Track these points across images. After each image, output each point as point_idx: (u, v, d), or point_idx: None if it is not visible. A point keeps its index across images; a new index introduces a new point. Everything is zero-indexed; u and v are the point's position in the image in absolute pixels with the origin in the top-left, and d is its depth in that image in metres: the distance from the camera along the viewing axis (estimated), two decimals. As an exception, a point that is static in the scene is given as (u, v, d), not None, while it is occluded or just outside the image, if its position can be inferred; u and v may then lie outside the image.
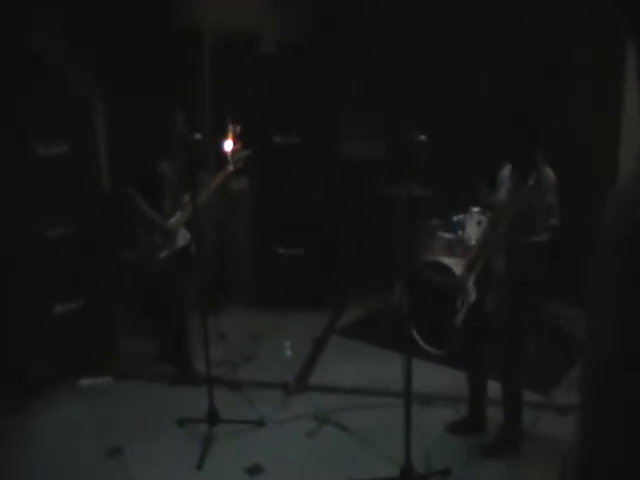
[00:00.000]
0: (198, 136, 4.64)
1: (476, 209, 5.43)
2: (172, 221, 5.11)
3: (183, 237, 5.18)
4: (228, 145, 4.95)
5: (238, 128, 4.93)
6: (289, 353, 5.00)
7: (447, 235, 5.74)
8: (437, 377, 5.10)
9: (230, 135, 4.95)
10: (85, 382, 5.22)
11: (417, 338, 5.39)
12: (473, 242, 5.13)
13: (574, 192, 4.37)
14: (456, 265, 5.07)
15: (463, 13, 6.15)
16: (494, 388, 4.34)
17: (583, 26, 5.73)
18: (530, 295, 4.13)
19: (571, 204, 4.10)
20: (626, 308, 1.33)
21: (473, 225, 5.43)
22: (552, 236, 3.91)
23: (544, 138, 3.98)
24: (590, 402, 1.42)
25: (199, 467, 4.20)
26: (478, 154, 5.61)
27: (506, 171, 4.22)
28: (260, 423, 4.63)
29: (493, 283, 4.19)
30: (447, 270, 5.29)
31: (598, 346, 1.40)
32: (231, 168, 4.99)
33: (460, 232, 5.59)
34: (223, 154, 5.00)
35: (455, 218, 5.72)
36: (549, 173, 3.93)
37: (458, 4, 6.16)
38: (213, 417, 4.50)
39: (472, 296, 4.25)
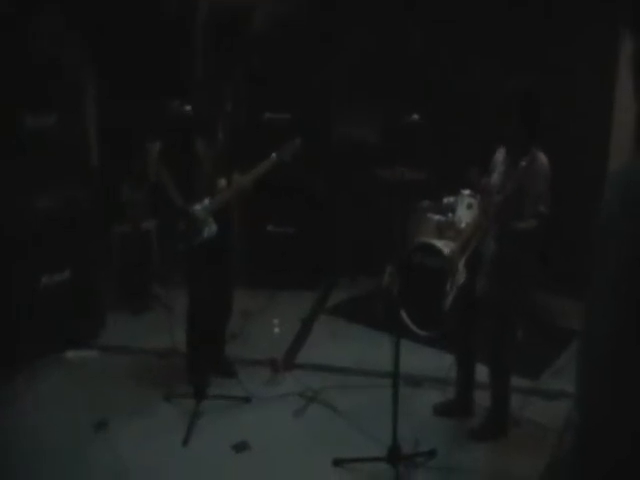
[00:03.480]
0: (188, 108, 4.54)
1: (467, 192, 5.42)
2: (197, 208, 4.54)
3: (209, 229, 4.56)
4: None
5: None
6: (277, 330, 4.97)
7: (437, 217, 5.73)
8: (425, 359, 5.12)
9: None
10: (71, 355, 5.20)
11: (406, 320, 5.39)
12: (463, 225, 5.13)
13: (566, 185, 4.36)
14: (446, 247, 5.07)
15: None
16: (482, 372, 4.36)
17: (581, 19, 5.71)
18: (519, 280, 4.12)
19: (563, 198, 4.10)
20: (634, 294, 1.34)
21: (463, 208, 5.42)
22: (539, 223, 3.90)
23: (540, 125, 3.97)
24: (597, 371, 1.44)
25: (185, 443, 4.19)
26: (471, 137, 5.60)
27: (500, 155, 4.21)
28: (247, 400, 4.62)
29: (483, 266, 4.18)
30: (437, 252, 5.29)
31: (606, 320, 1.42)
32: (274, 157, 4.61)
33: (450, 215, 5.58)
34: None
35: (446, 200, 5.71)
36: (542, 159, 3.91)
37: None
38: (200, 393, 4.47)
39: (461, 279, 4.25)
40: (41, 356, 5.06)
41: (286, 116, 6.43)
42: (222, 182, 4.62)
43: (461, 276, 4.25)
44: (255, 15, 6.69)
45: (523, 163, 3.78)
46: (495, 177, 4.15)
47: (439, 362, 4.94)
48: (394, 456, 3.88)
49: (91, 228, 5.48)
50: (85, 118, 5.46)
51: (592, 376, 1.46)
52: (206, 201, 4.57)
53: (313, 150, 6.40)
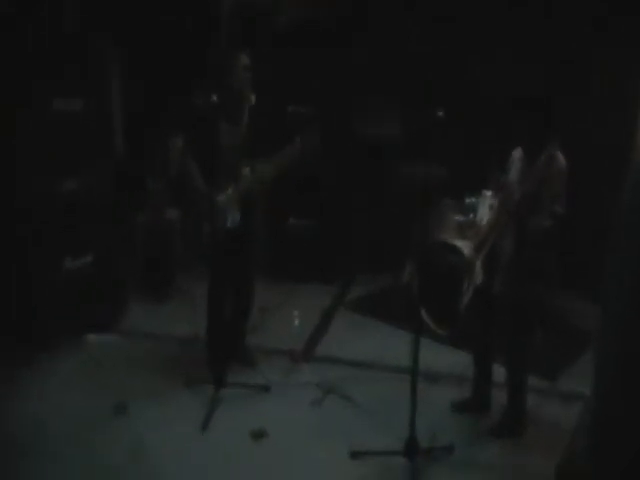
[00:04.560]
0: (214, 98, 4.54)
1: (489, 192, 5.42)
2: (221, 196, 4.57)
3: (232, 217, 4.60)
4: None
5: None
6: (297, 322, 5.01)
7: (459, 217, 5.73)
8: (443, 356, 5.11)
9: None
10: (92, 338, 5.25)
11: (425, 317, 5.40)
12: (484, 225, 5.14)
13: (585, 186, 4.36)
14: (466, 247, 5.08)
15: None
16: (499, 370, 4.38)
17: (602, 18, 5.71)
18: (536, 279, 4.13)
19: (580, 199, 4.11)
20: None
21: (485, 208, 5.42)
22: (555, 223, 3.90)
23: (559, 123, 3.97)
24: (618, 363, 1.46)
25: (204, 428, 4.23)
26: (493, 136, 5.61)
27: (517, 153, 4.23)
28: (266, 389, 4.66)
29: (500, 265, 4.20)
30: (457, 251, 5.29)
31: (621, 301, 1.44)
32: (299, 142, 4.50)
33: (472, 215, 5.58)
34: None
35: (468, 200, 5.71)
36: (560, 159, 3.92)
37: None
38: (219, 380, 4.51)
39: (479, 277, 4.26)
40: (62, 338, 5.12)
41: (309, 109, 6.44)
42: (246, 171, 4.60)
43: (478, 275, 4.26)
44: (279, 10, 6.74)
45: (542, 160, 3.79)
46: (513, 175, 4.17)
47: (456, 360, 4.96)
48: (411, 450, 3.90)
49: (114, 214, 5.54)
50: (111, 104, 5.51)
51: (607, 355, 1.48)
52: (230, 189, 4.59)
53: (335, 143, 6.47)
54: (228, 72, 4.60)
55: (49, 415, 4.33)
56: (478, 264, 4.25)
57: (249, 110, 4.69)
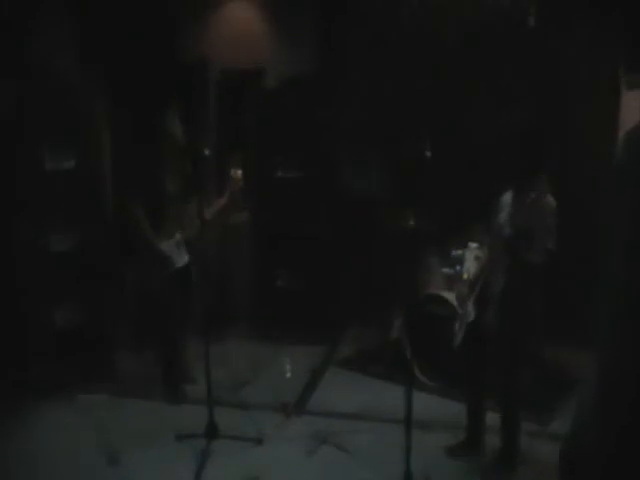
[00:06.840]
0: (207, 152, 4.72)
1: (474, 245, 5.51)
2: (166, 243, 5.02)
3: (181, 259, 5.10)
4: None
5: (240, 173, 4.96)
6: (289, 375, 5.02)
7: (446, 270, 5.81)
8: (434, 407, 5.10)
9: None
10: (82, 396, 5.25)
11: (416, 371, 5.42)
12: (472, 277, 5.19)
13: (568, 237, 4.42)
14: (454, 299, 5.13)
15: (462, 45, 6.32)
16: (491, 416, 4.40)
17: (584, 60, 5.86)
18: (527, 314, 4.18)
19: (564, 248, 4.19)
20: None
21: (471, 260, 5.50)
22: (547, 259, 3.96)
23: (547, 165, 4.07)
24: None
25: (197, 478, 4.20)
26: (479, 188, 5.71)
27: (507, 197, 4.30)
28: (258, 441, 4.64)
29: (491, 301, 4.24)
30: (446, 303, 5.36)
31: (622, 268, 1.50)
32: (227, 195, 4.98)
33: (458, 267, 5.66)
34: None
35: (454, 253, 5.80)
36: (549, 198, 4.00)
37: (459, 37, 6.35)
38: (212, 432, 4.51)
39: (471, 316, 4.31)
40: (53, 396, 5.14)
41: (297, 174, 6.58)
42: (187, 218, 4.96)
43: (470, 313, 4.31)
44: (264, 77, 6.93)
45: (531, 197, 3.86)
46: (503, 216, 4.25)
47: (447, 410, 4.98)
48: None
49: (105, 269, 5.60)
50: (102, 164, 5.64)
51: (610, 311, 1.52)
52: (177, 235, 5.04)
53: (322, 204, 6.58)
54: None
55: (41, 464, 4.36)
56: (469, 305, 4.31)
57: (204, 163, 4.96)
